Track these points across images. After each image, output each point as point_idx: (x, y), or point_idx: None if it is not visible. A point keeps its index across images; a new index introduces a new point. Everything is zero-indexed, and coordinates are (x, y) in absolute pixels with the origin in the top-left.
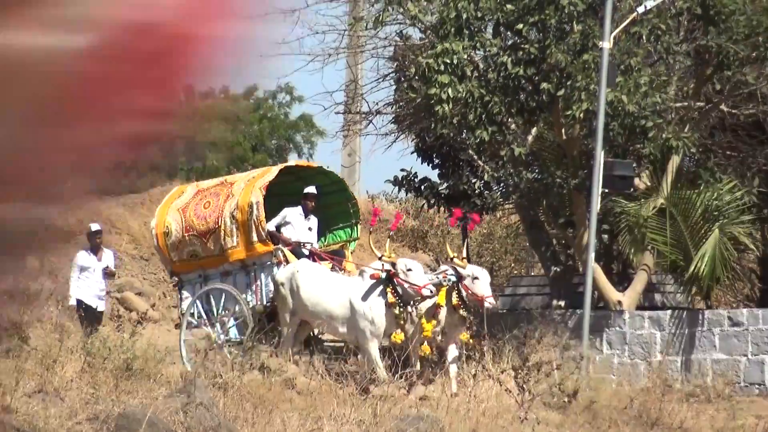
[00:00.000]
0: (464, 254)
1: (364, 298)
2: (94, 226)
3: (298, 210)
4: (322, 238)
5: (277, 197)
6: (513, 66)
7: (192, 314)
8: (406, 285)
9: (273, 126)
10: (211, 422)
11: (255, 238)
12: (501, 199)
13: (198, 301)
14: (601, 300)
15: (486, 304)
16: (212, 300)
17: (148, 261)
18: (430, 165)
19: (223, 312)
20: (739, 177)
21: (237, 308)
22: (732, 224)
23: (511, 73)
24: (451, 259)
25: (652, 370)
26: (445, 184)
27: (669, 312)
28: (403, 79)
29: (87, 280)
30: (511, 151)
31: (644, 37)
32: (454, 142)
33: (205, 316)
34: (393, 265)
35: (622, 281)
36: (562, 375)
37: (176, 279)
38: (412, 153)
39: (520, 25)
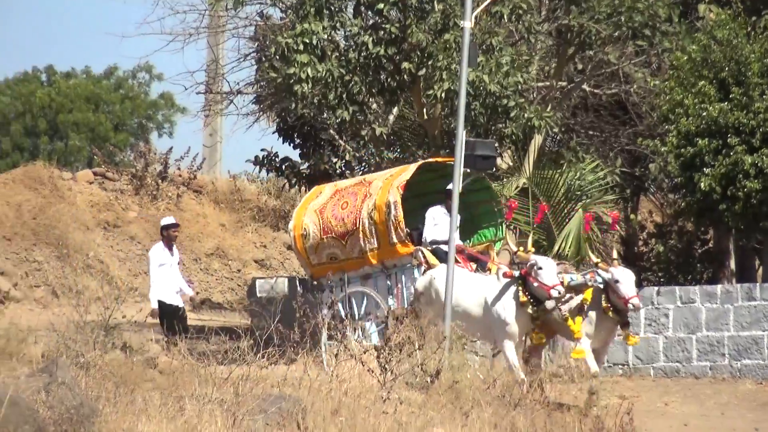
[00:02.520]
0: (614, 256)
1: (498, 297)
2: (168, 220)
3: (442, 210)
4: (468, 240)
5: (419, 197)
6: (374, 46)
7: (333, 318)
8: (535, 284)
9: (134, 105)
10: (73, 401)
11: (394, 239)
12: None
13: (340, 305)
14: None
15: (629, 306)
16: (354, 304)
17: (10, 241)
18: (291, 145)
19: (365, 316)
20: (602, 157)
21: (379, 313)
22: (595, 204)
23: (371, 52)
24: (596, 264)
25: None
26: (306, 164)
27: None
28: (263, 59)
29: (164, 277)
30: (372, 131)
31: (506, 16)
32: (315, 122)
33: (347, 320)
34: (527, 262)
35: None
36: (425, 355)
37: (315, 282)
38: (273, 133)
39: (381, 5)
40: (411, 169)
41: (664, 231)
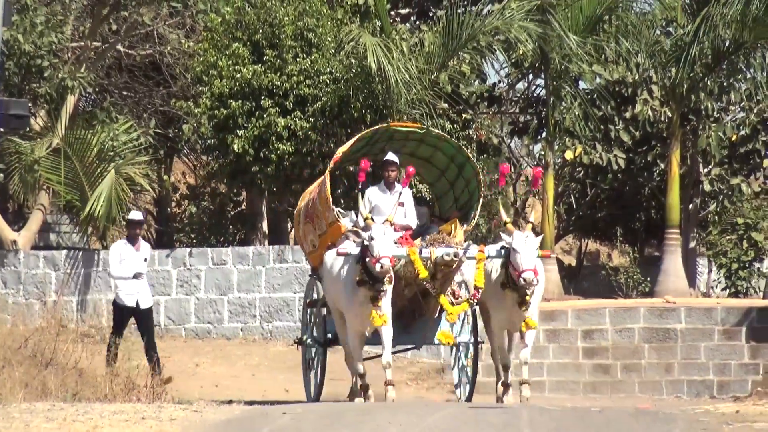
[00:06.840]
0: (531, 218)
1: (344, 275)
2: (136, 215)
3: (379, 186)
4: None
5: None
6: None
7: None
8: (367, 259)
9: None
10: None
11: (330, 218)
12: None
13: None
14: None
15: (520, 281)
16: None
17: None
18: None
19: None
20: (136, 117)
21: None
22: (128, 165)
23: None
24: (504, 224)
25: (46, 309)
26: None
27: (64, 252)
28: None
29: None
30: None
31: None
32: None
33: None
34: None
35: (17, 221)
36: None
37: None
38: None
39: None
40: (349, 142)
41: (197, 192)
